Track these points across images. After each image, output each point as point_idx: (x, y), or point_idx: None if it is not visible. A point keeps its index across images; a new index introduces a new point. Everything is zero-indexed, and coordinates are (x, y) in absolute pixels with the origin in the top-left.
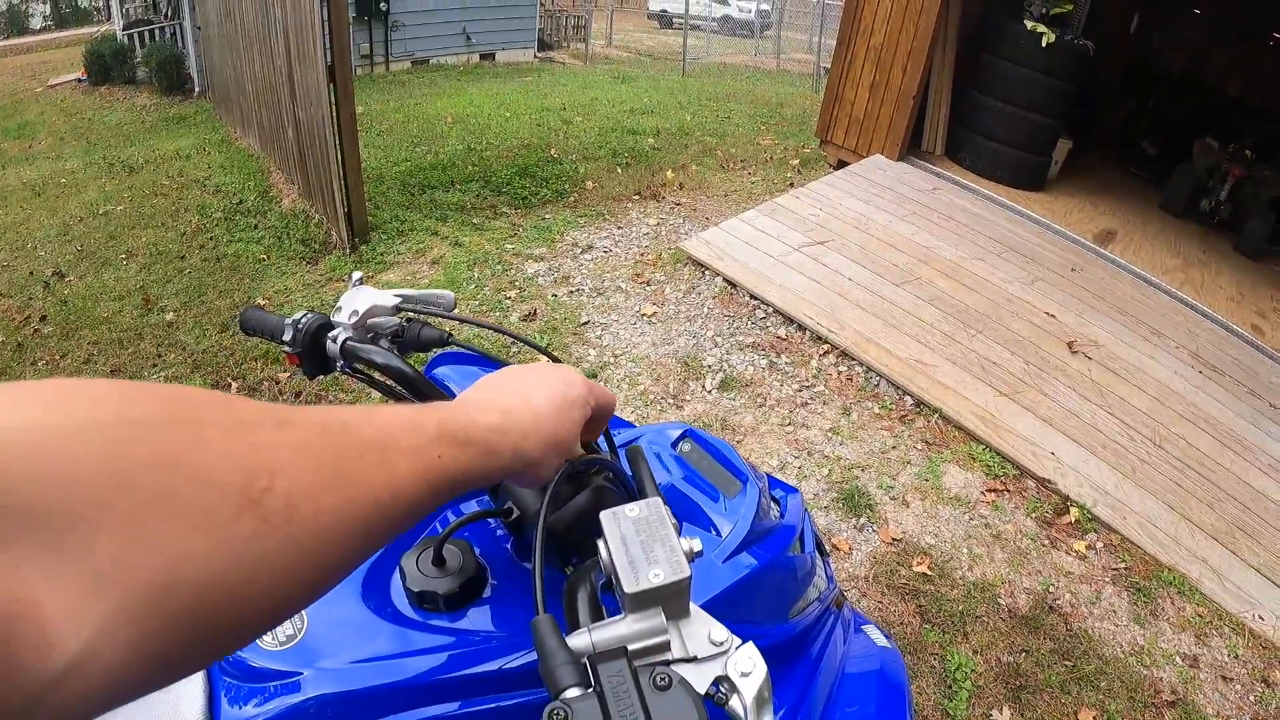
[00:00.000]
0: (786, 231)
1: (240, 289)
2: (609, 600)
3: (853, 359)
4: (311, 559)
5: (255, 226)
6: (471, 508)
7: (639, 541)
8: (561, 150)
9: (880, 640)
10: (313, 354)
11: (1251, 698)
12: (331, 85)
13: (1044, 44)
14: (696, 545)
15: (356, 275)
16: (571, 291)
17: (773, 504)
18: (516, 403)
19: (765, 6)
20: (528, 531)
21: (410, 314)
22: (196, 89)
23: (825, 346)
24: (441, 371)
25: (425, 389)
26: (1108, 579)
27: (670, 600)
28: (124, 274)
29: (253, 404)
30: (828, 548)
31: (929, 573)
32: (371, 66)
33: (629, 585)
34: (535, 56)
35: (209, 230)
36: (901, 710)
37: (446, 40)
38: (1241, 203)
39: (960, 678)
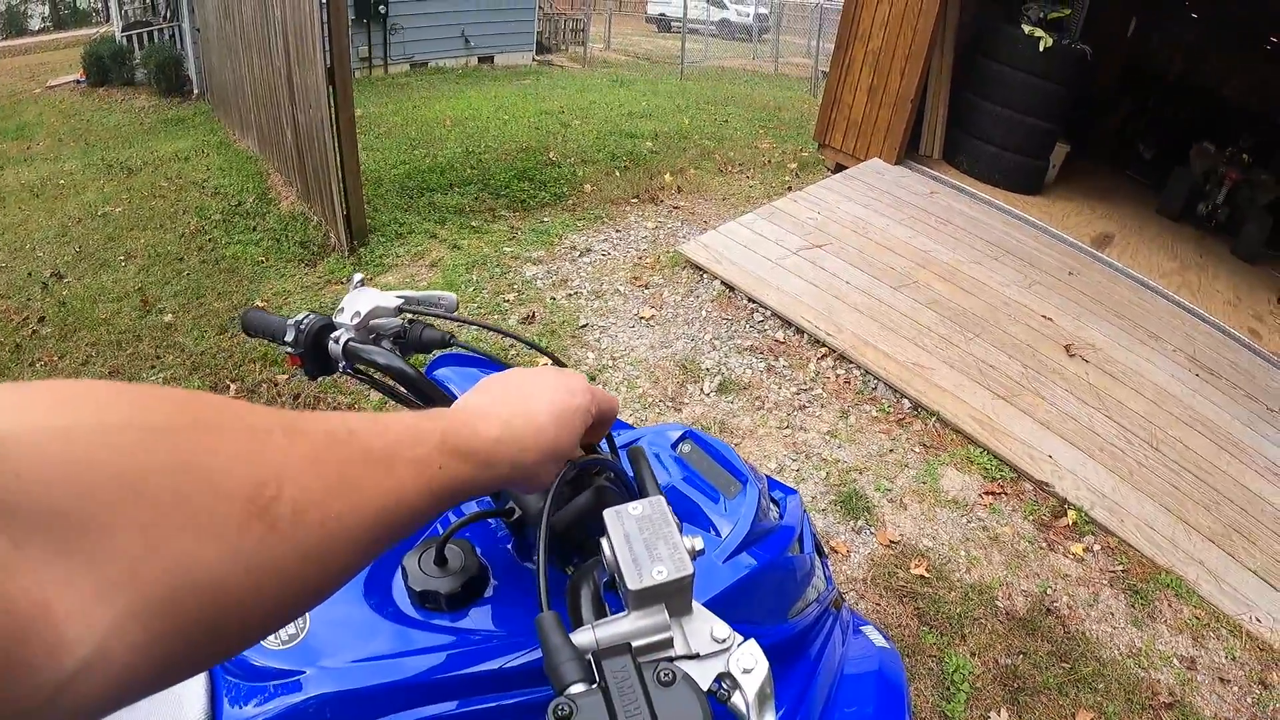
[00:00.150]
0: (784, 235)
1: (239, 291)
2: (611, 598)
3: (850, 362)
4: (317, 565)
5: (254, 228)
6: (473, 508)
7: (642, 539)
8: (560, 153)
9: (879, 641)
10: (315, 355)
11: (1249, 699)
12: (331, 87)
13: (1041, 48)
14: (699, 543)
15: (358, 276)
16: (570, 294)
17: (772, 505)
18: (518, 414)
19: (763, 10)
20: (529, 531)
21: (412, 315)
22: (195, 91)
23: (823, 350)
24: (443, 373)
25: (427, 390)
26: (1105, 581)
27: (673, 597)
28: (122, 275)
29: (263, 410)
30: (826, 550)
31: (927, 575)
32: (370, 69)
33: (633, 582)
34: (533, 60)
35: (207, 232)
36: (900, 711)
37: (445, 43)
38: (1238, 206)
39: (958, 680)
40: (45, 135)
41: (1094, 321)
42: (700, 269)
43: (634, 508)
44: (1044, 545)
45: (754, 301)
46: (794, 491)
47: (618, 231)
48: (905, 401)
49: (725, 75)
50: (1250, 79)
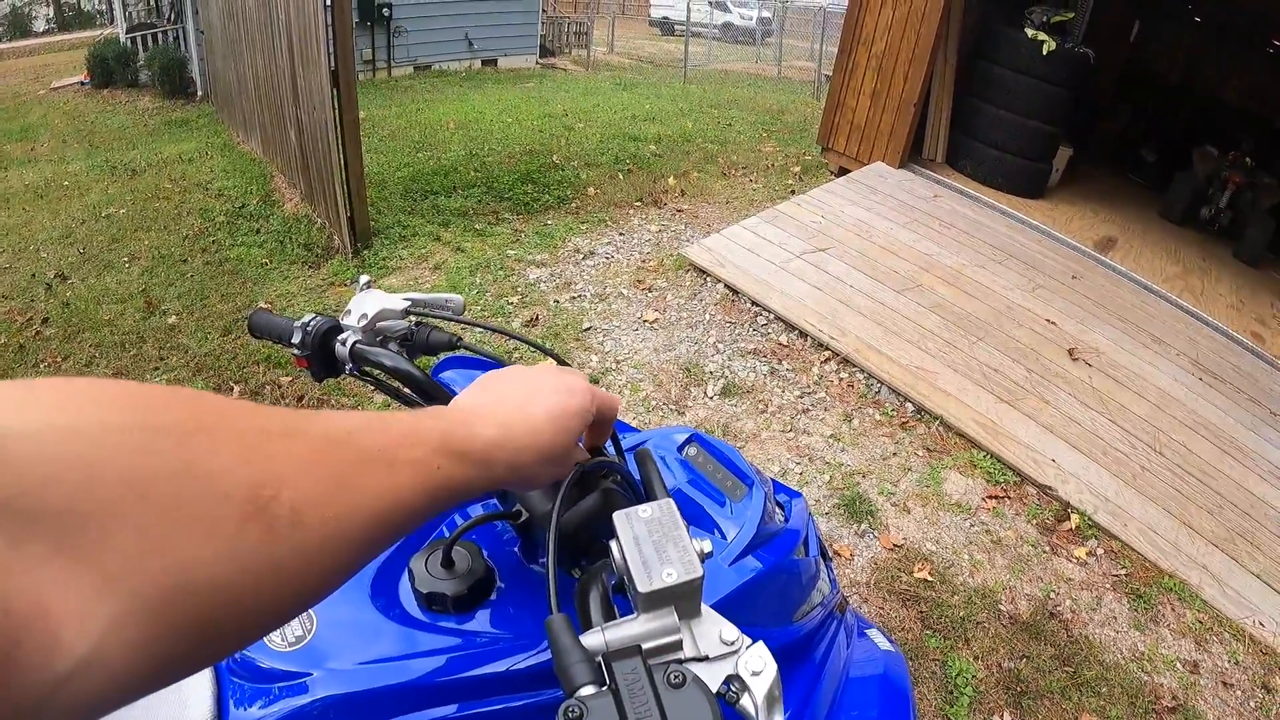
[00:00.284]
0: (788, 238)
1: (242, 293)
2: (620, 600)
3: (854, 366)
4: (316, 565)
5: (257, 231)
6: (479, 511)
7: (652, 542)
8: (563, 156)
9: (884, 644)
10: (321, 357)
11: (1252, 704)
12: (335, 90)
13: (1045, 52)
14: (707, 546)
15: (364, 279)
16: (573, 297)
17: (777, 508)
18: (516, 415)
19: (766, 14)
20: (536, 534)
21: (419, 317)
22: (199, 93)
23: (826, 353)
24: (449, 375)
25: (433, 392)
26: (1108, 585)
27: (683, 600)
28: (126, 277)
29: (263, 411)
30: (830, 553)
31: (930, 579)
32: (373, 72)
33: (642, 585)
34: (537, 63)
35: (211, 234)
36: (905, 714)
37: (449, 46)
38: (1241, 210)
39: (961, 684)
40: (49, 137)
41: (1097, 325)
42: (704, 272)
43: (643, 510)
44: (1047, 549)
45: (757, 305)
46: (799, 495)
47: (621, 234)
48: (909, 405)
49: (728, 79)
50: (1253, 82)
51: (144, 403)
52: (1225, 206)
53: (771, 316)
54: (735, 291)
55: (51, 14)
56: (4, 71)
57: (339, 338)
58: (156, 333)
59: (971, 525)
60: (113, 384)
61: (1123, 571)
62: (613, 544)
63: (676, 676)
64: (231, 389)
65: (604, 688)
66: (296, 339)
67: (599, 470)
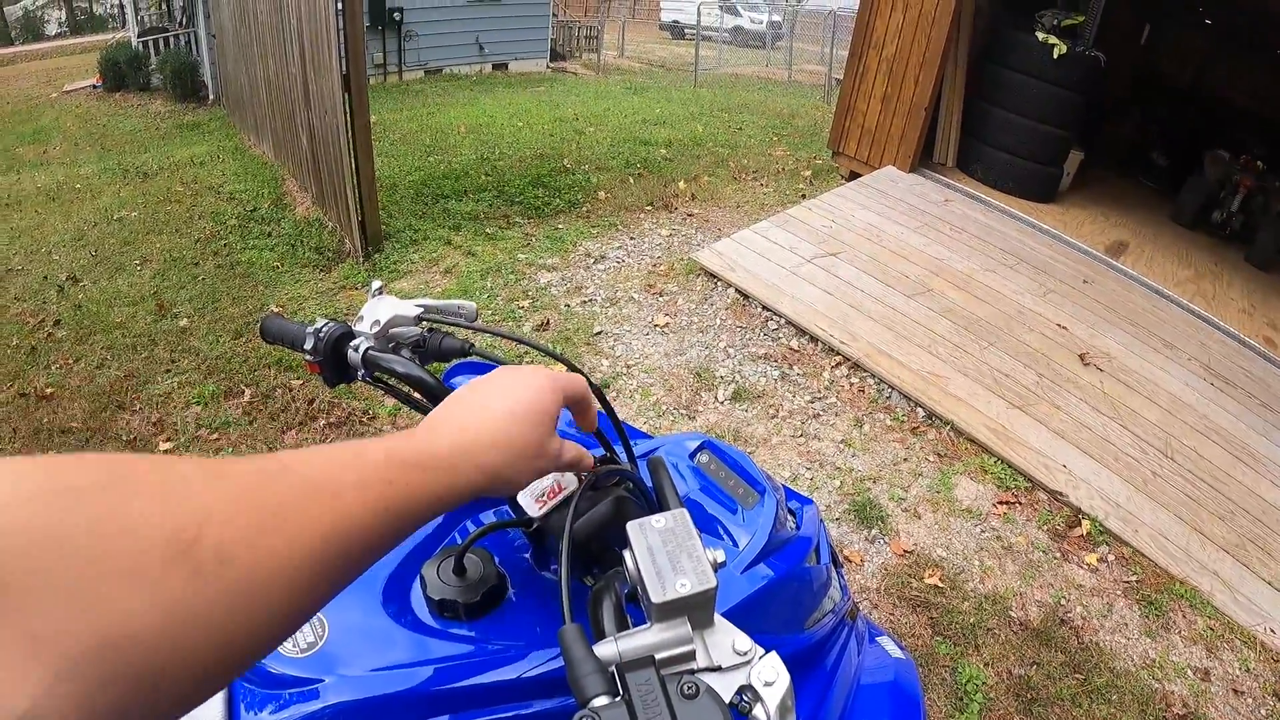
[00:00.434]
0: (798, 243)
1: (254, 296)
2: (632, 609)
3: (865, 371)
4: (259, 602)
5: (269, 234)
6: (490, 518)
7: (666, 552)
8: (574, 160)
9: (895, 652)
10: (334, 363)
11: (1263, 711)
12: (346, 94)
13: (1055, 55)
14: (720, 556)
15: (376, 284)
16: (584, 301)
17: (789, 515)
18: (476, 419)
19: (777, 18)
20: (547, 541)
21: (432, 324)
22: (210, 96)
23: (837, 358)
24: (460, 380)
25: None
26: (1119, 592)
27: (696, 610)
28: (138, 280)
29: (189, 461)
30: (840, 559)
31: (940, 585)
32: (384, 76)
33: (656, 595)
34: (548, 67)
35: (223, 237)
36: None
37: (459, 50)
38: (1253, 214)
39: (971, 690)
40: (61, 139)
41: (1108, 330)
42: (714, 276)
43: (657, 520)
44: (1058, 555)
45: (768, 309)
46: (810, 501)
47: (632, 239)
48: (919, 410)
49: (739, 82)
50: (1264, 85)
51: (57, 468)
52: (1237, 210)
53: (782, 321)
54: (746, 296)
55: (63, 17)
56: (16, 74)
57: (351, 344)
58: (168, 335)
59: (982, 531)
60: (23, 459)
61: (1134, 578)
62: (626, 554)
63: (690, 687)
64: (243, 392)
65: (617, 698)
66: (309, 345)
67: (611, 478)
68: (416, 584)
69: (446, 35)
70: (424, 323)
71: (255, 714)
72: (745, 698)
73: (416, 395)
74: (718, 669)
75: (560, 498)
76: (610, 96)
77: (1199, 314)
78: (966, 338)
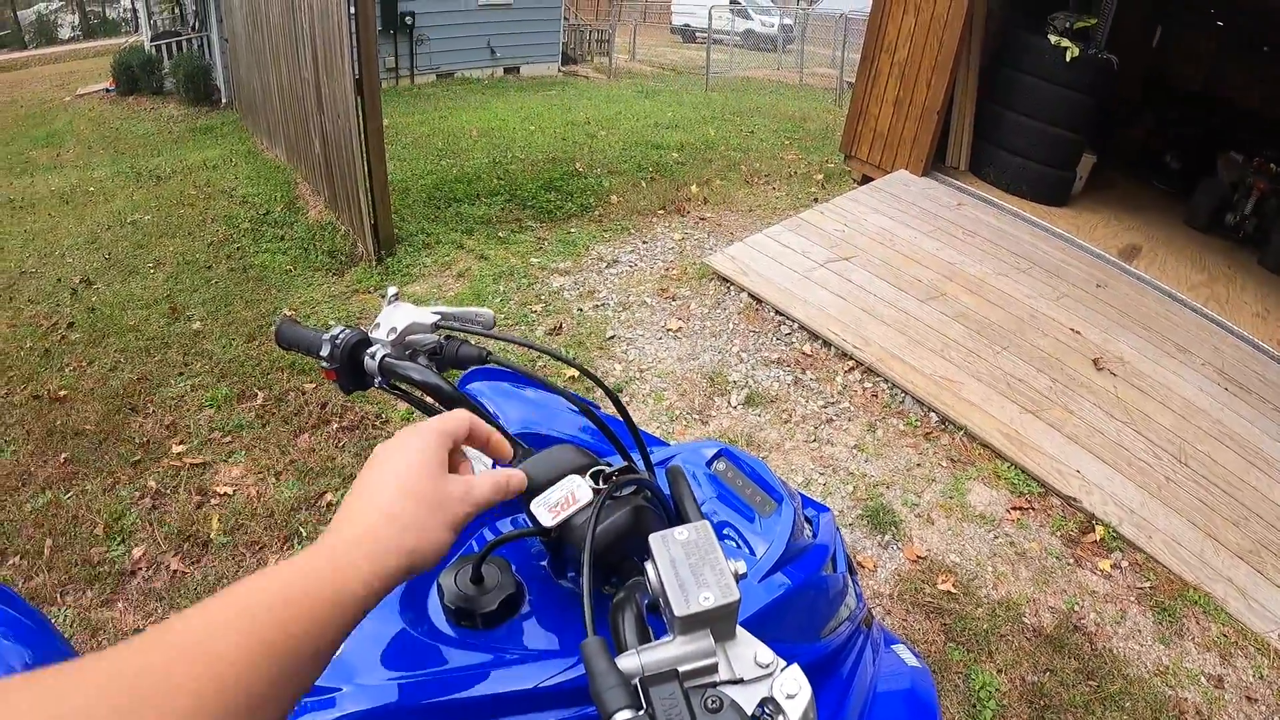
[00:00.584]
0: (811, 247)
1: (267, 299)
2: (652, 620)
3: (878, 375)
4: None
5: (282, 237)
6: (508, 527)
7: (688, 564)
8: (586, 164)
9: (910, 660)
10: (350, 369)
11: (1277, 719)
12: (359, 97)
13: (1068, 58)
14: (741, 567)
15: (392, 290)
16: (597, 306)
17: (805, 523)
18: (363, 507)
19: (788, 21)
20: (565, 550)
21: (449, 331)
22: (223, 100)
23: (850, 363)
24: (476, 387)
25: (463, 406)
26: (1133, 598)
27: (719, 622)
28: (151, 283)
29: (23, 689)
30: (855, 566)
31: (953, 591)
32: (396, 79)
33: (679, 608)
34: (559, 70)
35: (236, 240)
36: None
37: (471, 54)
38: (1266, 217)
39: (984, 697)
40: (75, 143)
41: (1122, 334)
42: (727, 281)
43: (679, 533)
44: (1071, 561)
45: (781, 314)
46: (827, 509)
47: (644, 243)
48: (933, 415)
49: (750, 86)
50: (1277, 87)
51: None
52: (1250, 213)
53: (795, 325)
54: (759, 300)
55: (77, 22)
56: (30, 78)
57: (368, 351)
58: (181, 338)
59: (995, 537)
60: None
61: (1147, 584)
62: (649, 566)
63: (714, 701)
64: (256, 395)
65: (641, 712)
66: (325, 352)
67: (629, 487)
68: (433, 592)
69: (458, 39)
70: (440, 330)
71: None
72: (767, 710)
73: (433, 402)
74: (740, 681)
75: (575, 508)
76: (622, 100)
77: (1213, 318)
78: (979, 342)
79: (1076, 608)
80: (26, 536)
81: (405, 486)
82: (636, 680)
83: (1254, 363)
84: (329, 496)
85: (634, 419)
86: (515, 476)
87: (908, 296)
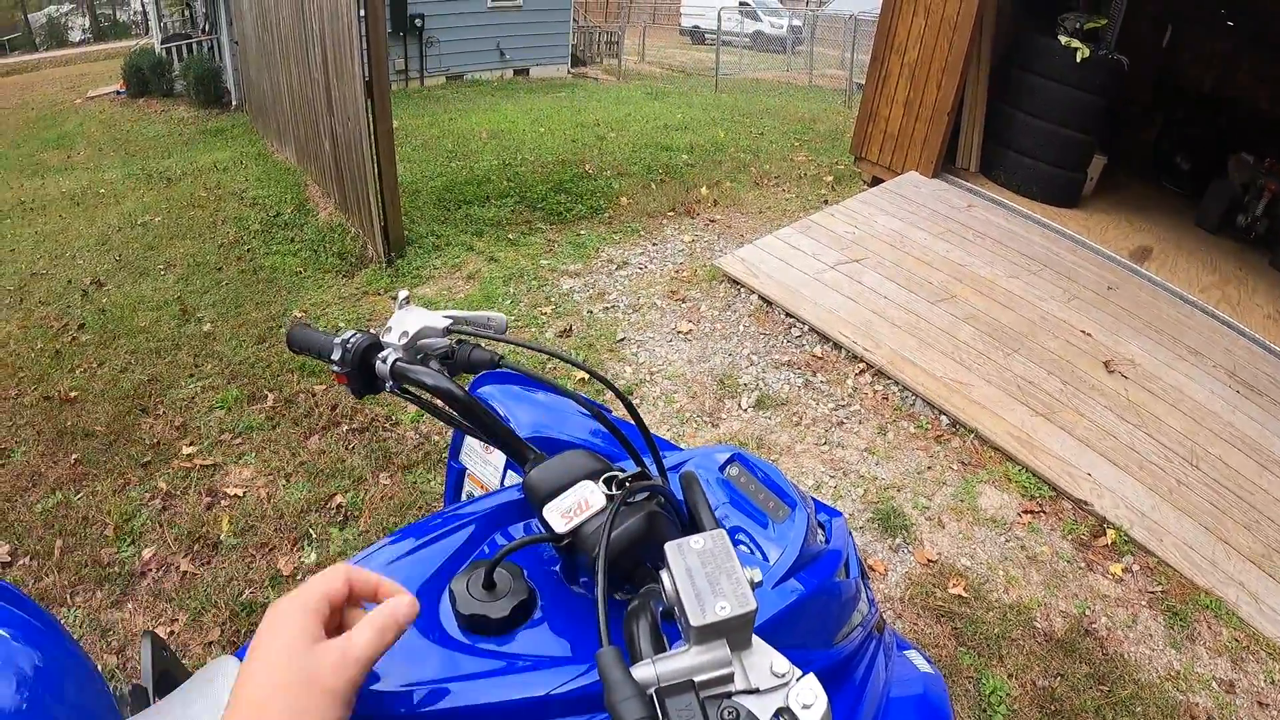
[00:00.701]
0: (822, 249)
1: (277, 301)
2: (667, 627)
3: (889, 378)
4: None
5: (292, 239)
6: (521, 532)
7: (704, 574)
8: (596, 166)
9: (922, 665)
10: (361, 374)
11: None
12: (369, 100)
13: (1078, 59)
14: (756, 576)
15: (403, 294)
16: (607, 308)
17: (818, 529)
18: (234, 709)
19: (797, 22)
20: (578, 556)
21: (460, 335)
22: (233, 102)
23: (861, 365)
24: (487, 390)
25: (475, 410)
26: (1144, 602)
27: (735, 632)
28: (162, 284)
29: None
30: (866, 570)
31: (964, 594)
32: (406, 82)
33: (695, 618)
34: (568, 72)
35: (246, 242)
36: None
37: (481, 56)
38: (1278, 218)
39: (995, 702)
40: (86, 145)
41: (1133, 337)
42: (737, 283)
43: (695, 541)
44: (1083, 565)
45: (791, 316)
46: (839, 514)
47: (654, 245)
48: (943, 418)
49: (760, 87)
50: None
51: None
52: (1261, 214)
53: (806, 328)
54: (769, 302)
55: (87, 24)
56: (41, 80)
57: (379, 355)
58: (191, 340)
59: (1006, 540)
60: None
61: (1158, 588)
62: (664, 575)
63: (730, 712)
64: (266, 397)
65: None
66: (336, 355)
67: (642, 493)
68: (445, 598)
69: (468, 41)
70: (452, 334)
71: None
72: None
73: (444, 406)
74: (755, 691)
75: (588, 514)
76: (631, 102)
77: (1224, 320)
78: (990, 344)
79: (1088, 612)
80: (37, 537)
81: (272, 677)
82: (652, 690)
83: (1266, 365)
84: (339, 499)
85: (645, 422)
86: (401, 608)
87: (918, 299)
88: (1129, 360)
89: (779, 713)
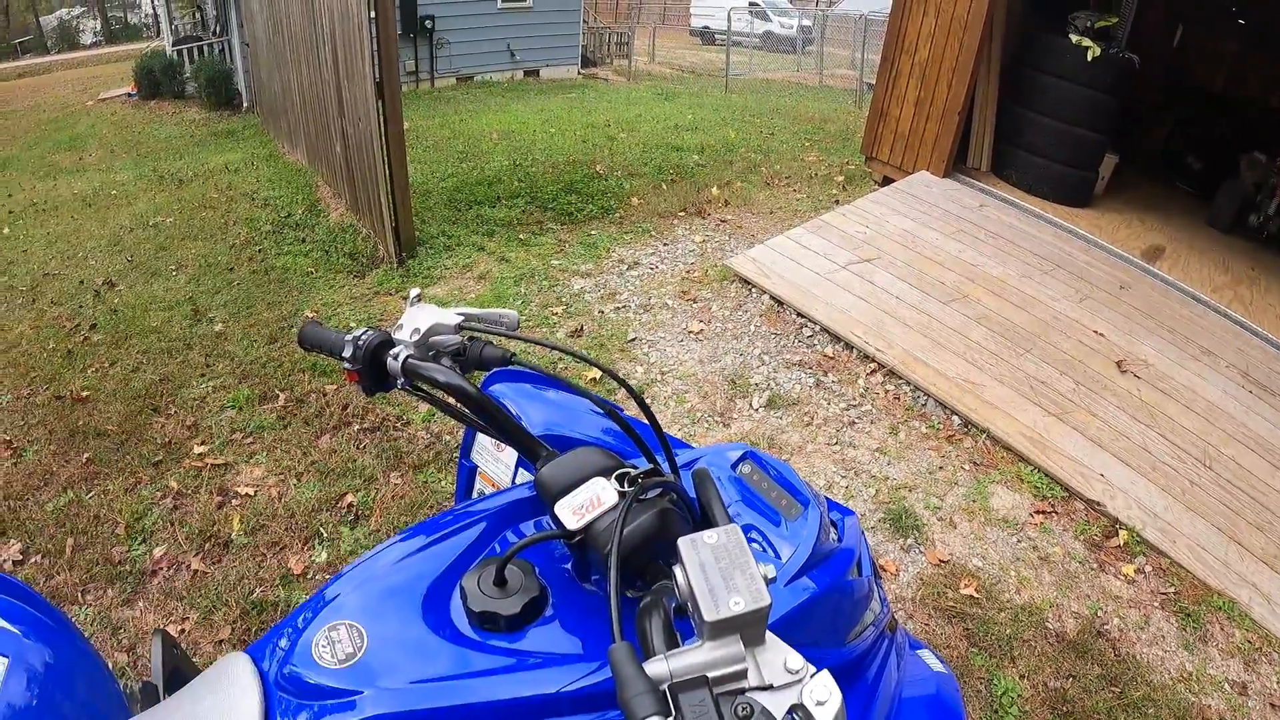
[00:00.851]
0: (833, 249)
1: (288, 301)
2: (679, 622)
3: (900, 378)
4: None
5: (303, 240)
6: (531, 530)
7: (719, 569)
8: (607, 167)
9: (935, 665)
10: (372, 371)
11: None
12: (379, 101)
13: (1089, 58)
14: (770, 572)
15: (415, 292)
16: (618, 308)
17: (830, 527)
18: None
19: (807, 22)
20: (589, 553)
21: (472, 333)
22: (245, 104)
23: (872, 365)
24: (499, 388)
25: (486, 407)
26: (1156, 603)
27: (748, 628)
28: (173, 284)
29: None
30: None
31: (976, 595)
32: (417, 83)
33: (709, 614)
34: (579, 73)
35: (257, 243)
36: None
37: (491, 57)
38: None
39: (1007, 703)
40: (97, 146)
41: (1145, 337)
42: (748, 283)
43: (709, 536)
44: (1095, 566)
45: (803, 316)
46: (852, 513)
47: (665, 245)
48: (955, 418)
49: (770, 87)
50: None
51: None
52: (1274, 214)
53: (817, 328)
54: (780, 303)
55: (99, 27)
56: (53, 83)
57: (390, 352)
58: (203, 340)
59: (1019, 541)
60: None
61: (1171, 589)
62: (678, 570)
63: (744, 708)
64: (277, 396)
65: (670, 718)
66: (348, 353)
67: (655, 490)
68: (456, 595)
69: (478, 42)
70: (464, 331)
71: None
72: (797, 717)
73: (456, 404)
74: (769, 688)
75: (600, 511)
76: (641, 102)
77: (1237, 320)
78: (1002, 345)
79: (1100, 613)
80: (48, 535)
81: None
82: (665, 686)
83: (1279, 365)
84: (350, 498)
85: (657, 420)
86: None
87: (930, 298)
88: (1142, 360)
89: (793, 709)
